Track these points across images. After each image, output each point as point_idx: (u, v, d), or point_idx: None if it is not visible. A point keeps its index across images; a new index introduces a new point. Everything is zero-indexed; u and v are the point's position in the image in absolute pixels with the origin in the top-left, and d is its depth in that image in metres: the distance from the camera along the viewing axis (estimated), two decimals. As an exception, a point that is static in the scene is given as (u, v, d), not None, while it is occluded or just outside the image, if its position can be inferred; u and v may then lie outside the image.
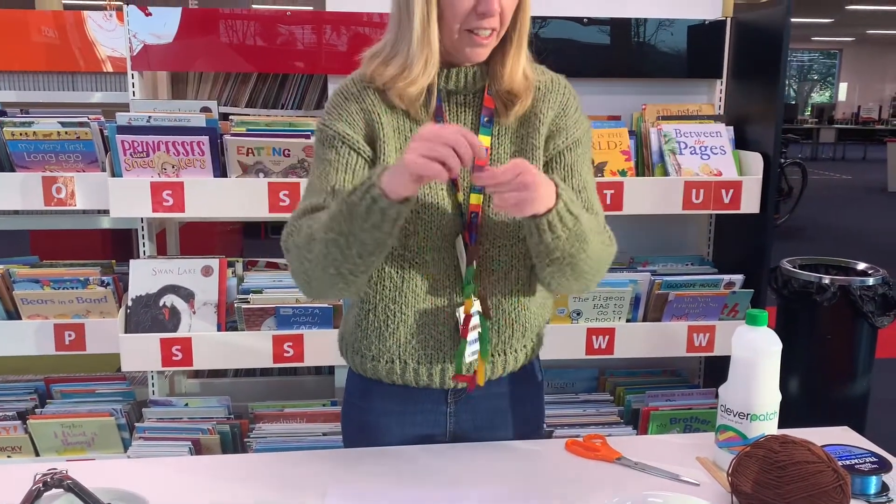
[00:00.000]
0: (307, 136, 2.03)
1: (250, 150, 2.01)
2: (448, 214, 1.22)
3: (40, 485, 0.93)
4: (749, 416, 1.20)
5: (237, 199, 2.03)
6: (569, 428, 2.29)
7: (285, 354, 2.19)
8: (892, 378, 3.73)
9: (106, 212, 2.02)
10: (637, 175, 2.31)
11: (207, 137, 1.98)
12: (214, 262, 2.15)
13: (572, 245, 1.16)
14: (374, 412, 1.33)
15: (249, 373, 2.74)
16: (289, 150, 2.02)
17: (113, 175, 2.01)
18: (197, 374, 2.66)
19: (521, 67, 1.24)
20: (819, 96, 23.02)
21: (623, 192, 2.22)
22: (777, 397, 1.21)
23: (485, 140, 1.25)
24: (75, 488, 0.93)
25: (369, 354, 1.30)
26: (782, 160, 7.47)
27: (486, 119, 1.26)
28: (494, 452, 1.30)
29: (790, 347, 2.73)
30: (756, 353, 1.19)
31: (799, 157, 8.07)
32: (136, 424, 2.22)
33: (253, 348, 2.16)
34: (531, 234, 1.16)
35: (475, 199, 1.23)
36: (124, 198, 2.00)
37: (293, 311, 2.15)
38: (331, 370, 2.59)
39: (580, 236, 1.16)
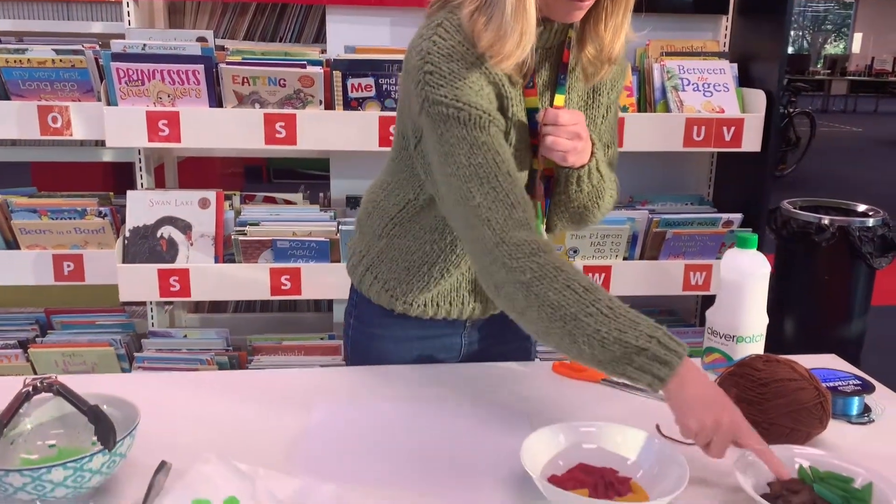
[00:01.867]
0: (303, 66, 2.01)
1: (246, 80, 1.99)
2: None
3: (30, 388, 0.95)
4: (735, 338, 1.20)
5: (233, 129, 2.02)
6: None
7: (283, 287, 2.20)
8: (888, 324, 3.74)
9: (104, 143, 2.02)
10: (639, 111, 2.29)
11: (203, 66, 1.96)
12: (211, 195, 2.15)
13: (589, 199, 1.23)
14: (389, 339, 1.34)
15: (249, 308, 2.76)
16: (284, 80, 2.01)
17: (108, 104, 2.00)
18: (196, 308, 2.69)
19: (624, 33, 1.14)
20: (833, 48, 22.63)
21: (624, 128, 2.20)
22: (764, 320, 1.22)
23: (559, 99, 1.18)
24: (63, 392, 0.94)
25: (405, 298, 1.28)
26: (791, 110, 7.38)
27: (561, 76, 1.18)
28: (487, 372, 1.32)
29: (788, 289, 2.75)
30: (744, 276, 1.19)
31: (809, 108, 7.97)
32: (136, 354, 2.25)
33: (250, 280, 2.18)
34: (557, 184, 1.21)
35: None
36: (120, 127, 1.99)
37: (290, 244, 2.16)
38: (329, 306, 2.61)
39: (599, 193, 1.22)
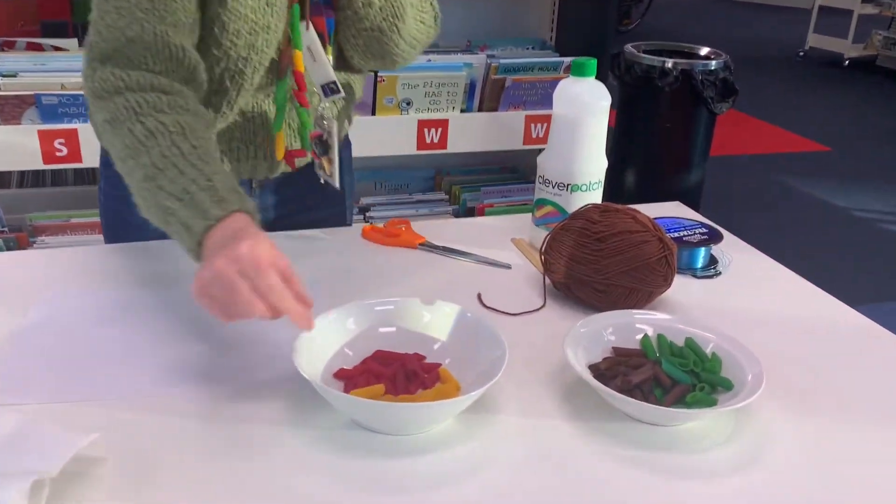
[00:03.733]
0: None
1: None
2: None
3: None
4: (569, 187, 1.02)
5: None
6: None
7: (57, 153, 1.82)
8: (723, 173, 3.80)
9: None
10: (472, -61, 2.00)
11: None
12: (-53, 39, 1.70)
13: (385, 18, 0.95)
14: None
15: (37, 182, 2.35)
16: None
17: None
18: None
19: None
20: None
21: (456, -41, 1.92)
22: (602, 164, 1.03)
23: None
24: None
25: None
26: (637, -38, 7.23)
27: None
28: (279, 243, 1.07)
29: (629, 137, 2.64)
30: (581, 110, 0.99)
31: (653, -40, 7.86)
32: None
33: (14, 146, 1.78)
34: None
35: None
36: None
37: (58, 99, 1.77)
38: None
39: (398, 11, 0.96)
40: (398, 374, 0.74)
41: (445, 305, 0.80)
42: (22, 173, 2.34)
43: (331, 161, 1.01)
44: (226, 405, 0.73)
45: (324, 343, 0.75)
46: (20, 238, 2.08)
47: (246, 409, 0.72)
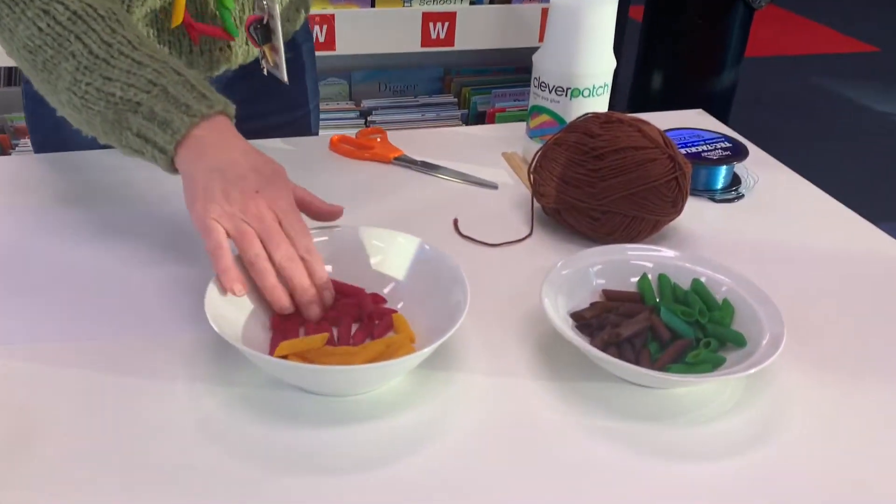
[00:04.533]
0: None
1: None
2: None
3: None
4: (569, 92, 0.86)
5: None
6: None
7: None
8: (758, 76, 3.55)
9: None
10: None
11: None
12: None
13: None
14: None
15: (10, 81, 2.22)
16: None
17: None
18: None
19: None
20: None
21: None
22: (610, 63, 0.87)
23: None
24: None
25: None
26: None
27: None
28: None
29: (656, 36, 2.42)
30: (583, -1, 0.82)
31: None
32: None
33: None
34: None
35: None
36: None
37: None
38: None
39: None
40: (342, 319, 0.61)
41: (400, 236, 0.66)
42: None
43: (274, 49, 0.86)
44: (123, 356, 0.61)
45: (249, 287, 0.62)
46: (2, 140, 1.98)
47: (148, 361, 0.61)
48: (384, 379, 0.58)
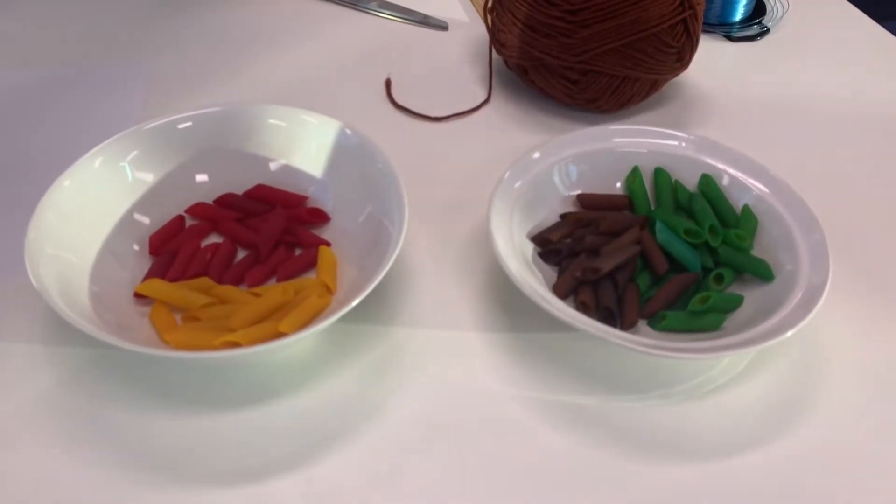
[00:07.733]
0: None
1: None
2: None
3: None
4: None
5: None
6: None
7: None
8: None
9: None
10: None
11: None
12: None
13: None
14: None
15: None
16: None
17: None
18: None
19: None
20: None
21: None
22: None
23: None
24: None
25: None
26: None
27: None
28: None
29: None
30: None
31: None
32: None
33: None
34: None
35: None
36: None
37: None
38: None
39: None
40: (221, 254, 0.44)
41: (313, 116, 0.47)
42: None
43: None
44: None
45: (93, 210, 0.44)
46: None
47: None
48: (268, 355, 0.42)
